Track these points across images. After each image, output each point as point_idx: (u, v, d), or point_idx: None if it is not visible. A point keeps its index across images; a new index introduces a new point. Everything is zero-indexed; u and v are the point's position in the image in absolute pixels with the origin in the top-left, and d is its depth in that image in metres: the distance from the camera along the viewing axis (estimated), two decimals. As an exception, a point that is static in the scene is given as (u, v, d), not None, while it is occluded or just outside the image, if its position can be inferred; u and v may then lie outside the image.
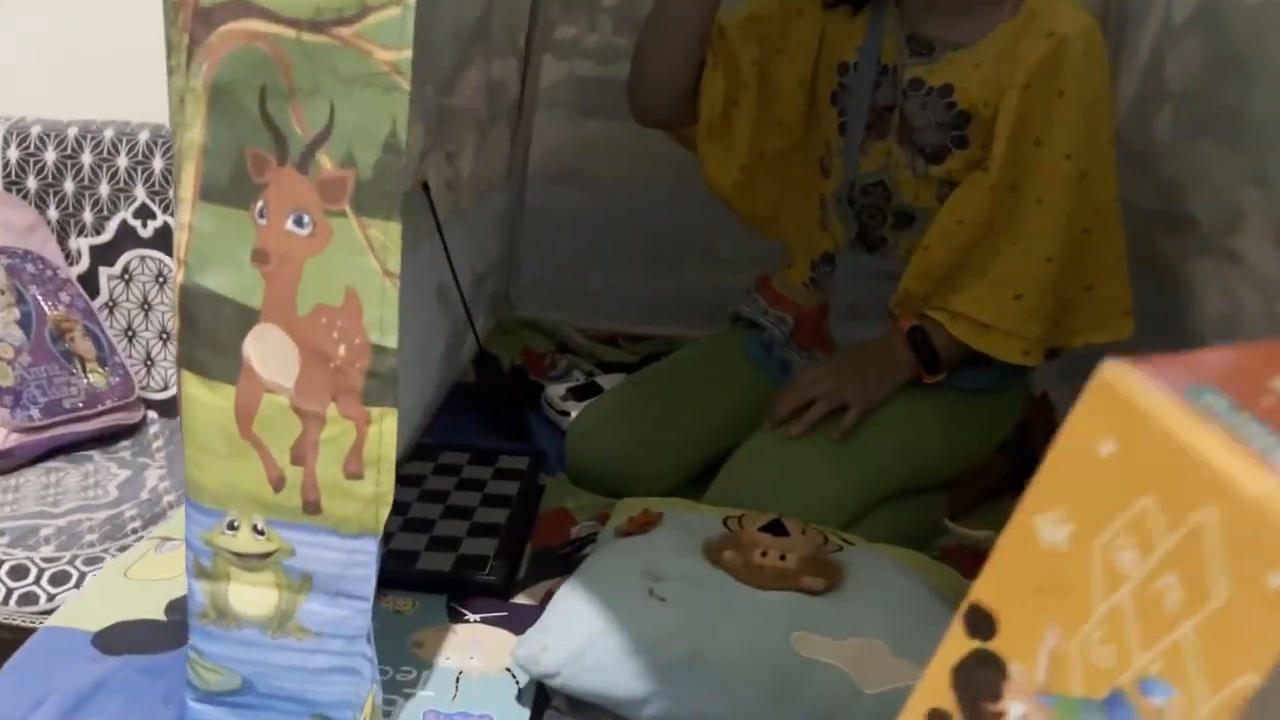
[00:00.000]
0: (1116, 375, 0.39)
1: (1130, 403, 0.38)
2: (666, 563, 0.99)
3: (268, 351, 0.76)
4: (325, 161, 0.71)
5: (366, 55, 0.69)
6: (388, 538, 1.12)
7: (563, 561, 1.20)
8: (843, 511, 1.23)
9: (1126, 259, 1.33)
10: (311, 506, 0.79)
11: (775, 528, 1.05)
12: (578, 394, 1.67)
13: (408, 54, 0.68)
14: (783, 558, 1.01)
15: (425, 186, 1.48)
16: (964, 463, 1.40)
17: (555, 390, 1.70)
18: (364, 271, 0.74)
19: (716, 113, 1.37)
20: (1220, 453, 0.36)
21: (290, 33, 0.69)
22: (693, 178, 1.96)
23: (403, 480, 1.11)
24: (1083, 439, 0.39)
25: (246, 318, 0.75)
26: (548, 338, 1.94)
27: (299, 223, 0.73)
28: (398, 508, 0.86)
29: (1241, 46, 1.36)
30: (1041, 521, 0.41)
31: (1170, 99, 1.52)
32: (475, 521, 1.26)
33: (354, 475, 0.79)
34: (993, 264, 1.28)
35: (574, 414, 1.58)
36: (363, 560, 0.80)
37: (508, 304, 2.02)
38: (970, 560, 1.23)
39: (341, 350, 0.76)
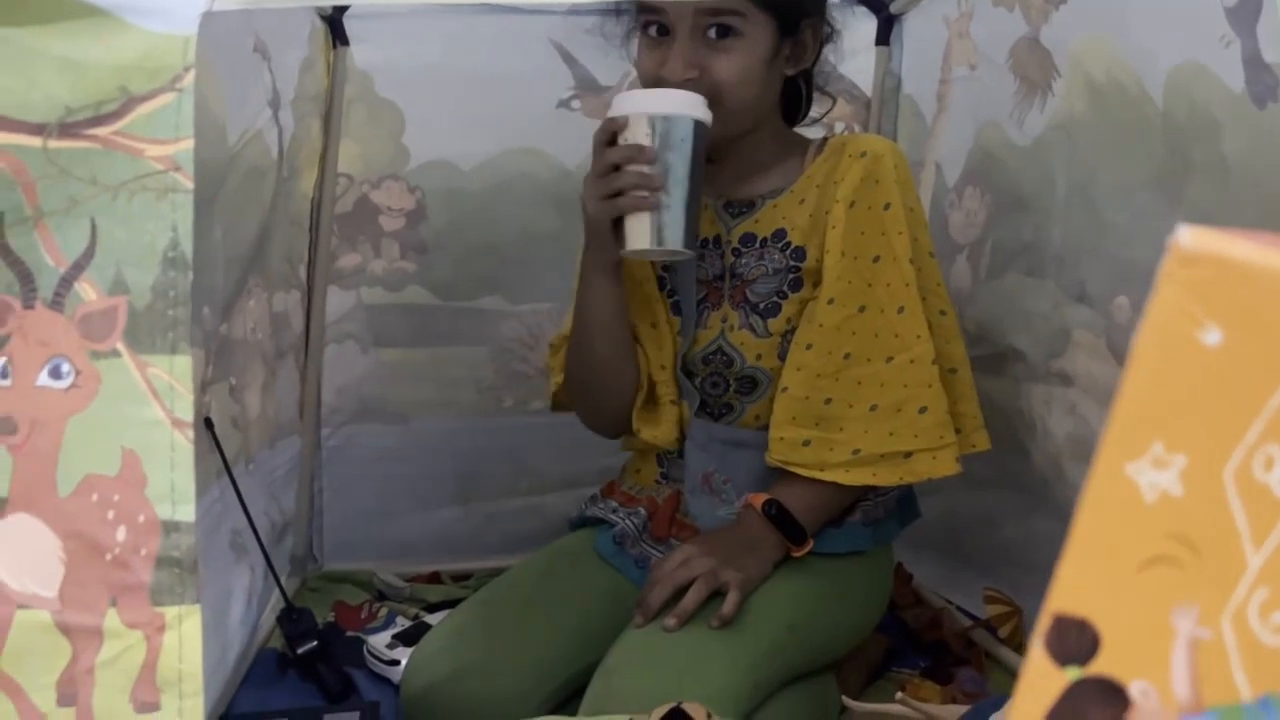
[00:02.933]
0: (1203, 241, 0.30)
1: (1237, 265, 0.29)
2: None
3: (18, 552, 0.58)
4: (87, 291, 0.57)
5: (135, 155, 0.57)
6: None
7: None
8: (740, 701, 1.08)
9: (971, 372, 1.30)
10: (90, 761, 0.59)
11: (677, 716, 0.90)
12: (406, 639, 1.48)
13: (188, 145, 0.57)
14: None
15: (209, 422, 1.31)
16: (853, 633, 1.30)
17: (379, 640, 1.50)
18: (145, 426, 0.58)
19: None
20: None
21: (34, 142, 0.57)
22: (496, 399, 1.88)
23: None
24: (1172, 335, 0.30)
25: (-12, 513, 0.57)
26: (361, 588, 1.74)
27: (55, 374, 0.57)
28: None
29: (1024, 187, 1.41)
30: (1137, 469, 0.31)
31: (961, 251, 1.56)
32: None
33: (147, 707, 0.60)
34: (879, 391, 1.22)
35: (405, 660, 1.38)
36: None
37: (313, 560, 1.81)
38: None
39: (120, 534, 0.59)
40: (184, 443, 0.59)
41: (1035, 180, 1.38)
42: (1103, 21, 1.21)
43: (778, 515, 1.23)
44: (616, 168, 1.16)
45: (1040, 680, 0.33)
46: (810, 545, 1.24)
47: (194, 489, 0.59)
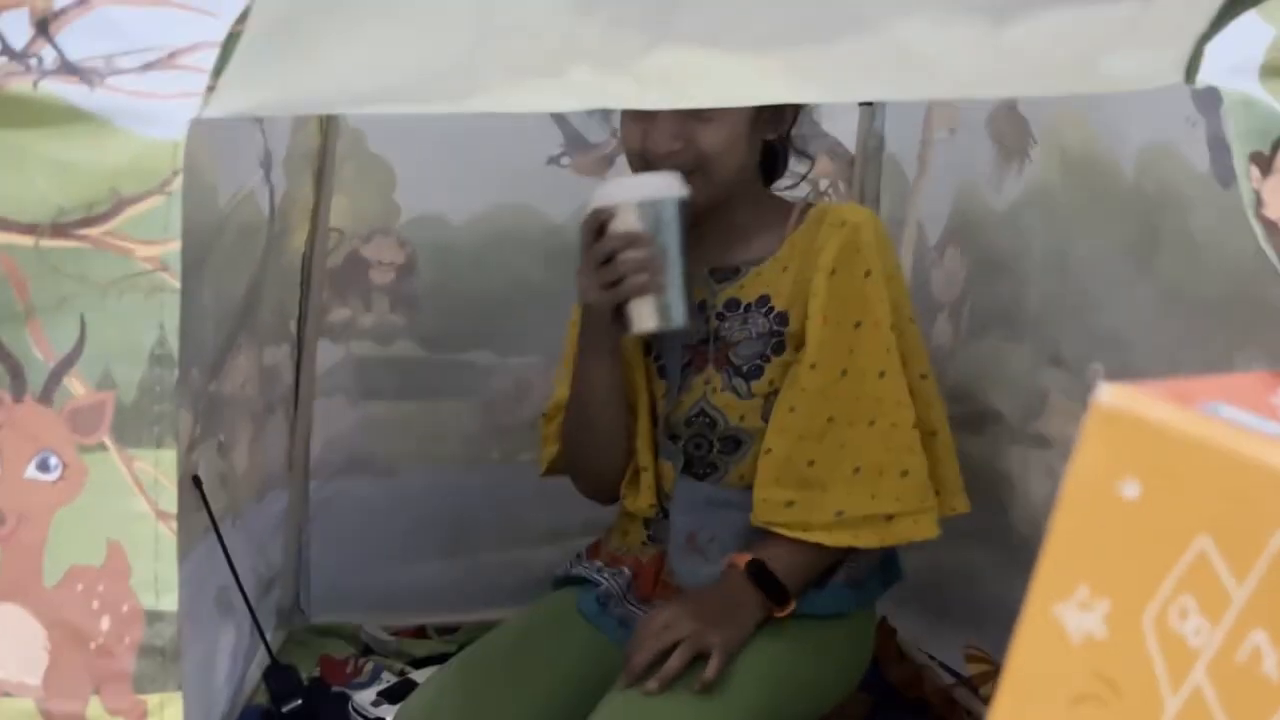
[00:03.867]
0: (1121, 399, 0.32)
1: (1151, 425, 0.31)
2: None
3: (4, 641, 0.60)
4: (76, 386, 0.59)
5: (125, 255, 0.59)
6: None
7: None
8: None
9: (950, 435, 1.32)
10: None
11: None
12: (391, 696, 1.48)
13: (175, 247, 0.59)
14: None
15: (196, 480, 1.33)
16: (835, 694, 1.31)
17: (364, 696, 1.50)
18: (130, 518, 0.60)
19: None
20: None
21: (26, 241, 0.59)
22: (484, 452, 1.89)
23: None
24: (1095, 487, 0.32)
25: (-25, 602, 0.59)
26: (348, 642, 1.74)
27: (43, 467, 0.59)
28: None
29: (1001, 250, 1.44)
30: (1064, 610, 0.32)
31: (943, 309, 1.59)
32: None
33: (129, 791, 0.61)
34: (861, 454, 1.23)
35: (390, 718, 1.39)
36: None
37: (299, 613, 1.82)
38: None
39: (105, 624, 0.60)
40: (168, 534, 0.60)
41: (1012, 244, 1.40)
42: (1078, 96, 1.24)
43: (760, 575, 1.24)
44: (611, 256, 1.18)
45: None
46: (792, 606, 1.25)
47: (177, 579, 0.61)
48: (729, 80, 0.81)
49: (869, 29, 0.75)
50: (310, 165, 1.71)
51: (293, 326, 1.75)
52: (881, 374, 1.24)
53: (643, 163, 1.26)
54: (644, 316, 1.21)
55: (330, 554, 1.83)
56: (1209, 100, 0.98)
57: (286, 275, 1.70)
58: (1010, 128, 1.40)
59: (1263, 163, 0.72)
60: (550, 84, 0.74)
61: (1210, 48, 0.80)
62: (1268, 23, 0.76)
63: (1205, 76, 0.81)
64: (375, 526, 1.83)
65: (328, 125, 1.71)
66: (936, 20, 0.76)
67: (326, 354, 1.79)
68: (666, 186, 1.19)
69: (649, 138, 1.22)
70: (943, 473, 1.29)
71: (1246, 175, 0.73)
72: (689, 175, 1.23)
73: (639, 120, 1.24)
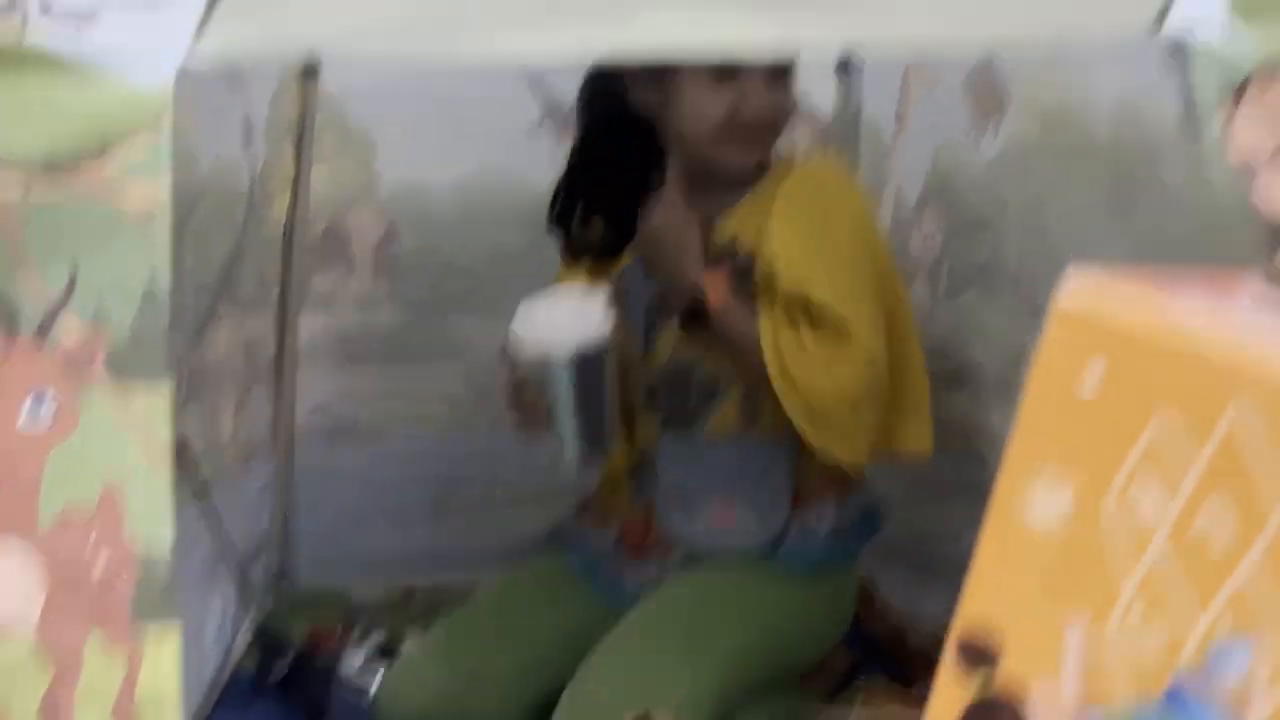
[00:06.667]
0: (1083, 291, 0.33)
1: (1111, 314, 0.32)
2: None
3: (1, 581, 0.61)
4: (70, 326, 0.60)
5: (114, 196, 0.60)
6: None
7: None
8: (706, 711, 1.11)
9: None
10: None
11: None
12: (380, 660, 1.50)
13: (165, 187, 0.59)
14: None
15: (184, 445, 1.34)
16: (817, 649, 1.33)
17: (353, 660, 1.51)
18: (124, 456, 0.61)
19: None
20: (1233, 340, 0.30)
21: (17, 183, 0.59)
22: (469, 414, 1.90)
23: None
24: (1060, 374, 0.33)
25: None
26: (336, 607, 1.75)
27: (38, 405, 0.60)
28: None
29: (981, 209, 1.45)
30: (1031, 494, 0.34)
31: (921, 269, 1.60)
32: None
33: (126, 725, 0.63)
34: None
35: (376, 684, 1.41)
36: None
37: (287, 579, 1.83)
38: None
39: (101, 561, 0.61)
40: (162, 473, 0.61)
41: (990, 202, 1.42)
42: (1051, 51, 1.26)
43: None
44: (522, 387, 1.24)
45: (951, 686, 0.36)
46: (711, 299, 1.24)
47: (171, 518, 0.62)
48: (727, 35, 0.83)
49: None
50: (290, 135, 1.71)
51: (274, 295, 1.75)
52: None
53: (721, 131, 1.26)
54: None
55: (317, 520, 1.84)
56: (1179, 54, 0.99)
57: (267, 245, 1.70)
58: (986, 87, 1.41)
59: (1230, 103, 0.74)
60: (539, 35, 0.75)
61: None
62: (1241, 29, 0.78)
63: (1173, 26, 0.83)
64: (361, 492, 1.84)
65: (307, 94, 1.71)
66: None
67: (309, 322, 1.80)
68: (571, 333, 1.19)
69: (746, 101, 1.24)
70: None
71: (1213, 119, 0.75)
72: (772, 128, 1.28)
73: (723, 86, 1.24)
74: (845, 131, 1.84)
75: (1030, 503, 0.34)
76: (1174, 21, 0.83)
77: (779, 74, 1.26)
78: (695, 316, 1.24)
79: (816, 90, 1.83)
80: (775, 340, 1.21)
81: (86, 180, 0.60)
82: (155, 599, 0.62)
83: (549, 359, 1.19)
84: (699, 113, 1.27)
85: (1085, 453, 0.33)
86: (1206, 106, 0.77)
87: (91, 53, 0.61)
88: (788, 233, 1.25)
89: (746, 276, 1.24)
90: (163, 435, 0.61)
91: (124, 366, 0.60)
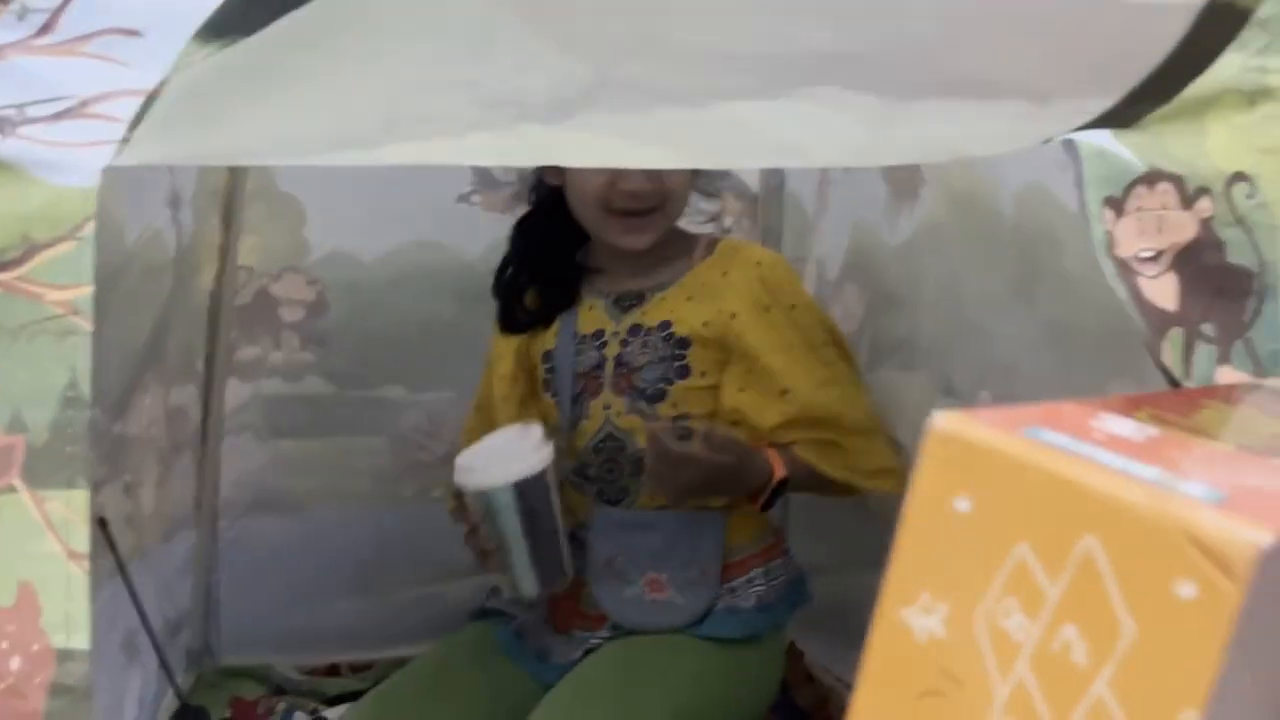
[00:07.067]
0: (953, 425, 0.36)
1: (978, 447, 0.35)
2: None
3: (-88, 682, 0.60)
4: (-15, 430, 0.60)
5: (36, 300, 0.60)
6: None
7: None
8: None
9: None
10: None
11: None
12: (303, 732, 1.48)
13: (87, 291, 0.60)
14: None
15: (103, 523, 1.32)
16: (746, 716, 1.35)
17: (275, 737, 1.49)
18: (41, 558, 0.61)
19: None
20: (1088, 477, 0.33)
21: (-64, 287, 0.60)
22: (396, 488, 1.89)
23: None
24: (933, 503, 0.36)
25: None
26: (259, 682, 1.73)
27: (-48, 508, 0.60)
28: None
29: (895, 287, 1.50)
30: (910, 614, 0.36)
31: (843, 343, 1.64)
32: None
33: (38, 832, 0.62)
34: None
35: (302, 758, 1.39)
36: None
37: (209, 655, 1.79)
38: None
39: (15, 664, 0.61)
40: (79, 573, 0.62)
41: (907, 279, 1.47)
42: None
43: (778, 491, 1.30)
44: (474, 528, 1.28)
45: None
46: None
47: (89, 618, 0.62)
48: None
49: (749, 128, 0.81)
50: (218, 203, 1.71)
51: (200, 365, 1.74)
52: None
53: (599, 207, 1.31)
54: (505, 583, 1.29)
55: (240, 594, 1.81)
56: (1071, 148, 1.05)
57: (194, 314, 1.69)
58: (902, 169, 1.47)
59: (1115, 205, 0.78)
60: (456, 144, 0.78)
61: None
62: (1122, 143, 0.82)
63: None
64: (285, 565, 1.82)
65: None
66: (817, 123, 0.83)
67: (235, 392, 1.79)
68: (511, 465, 1.22)
69: (622, 178, 1.27)
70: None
71: (1099, 218, 0.79)
72: (651, 213, 1.31)
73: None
74: (771, 207, 1.89)
75: (910, 619, 0.36)
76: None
77: None
78: (777, 495, 1.30)
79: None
80: (835, 462, 1.33)
81: (7, 282, 0.61)
82: (70, 704, 0.62)
83: (492, 492, 1.22)
84: (581, 190, 1.33)
85: (956, 576, 0.35)
86: (1095, 205, 0.81)
87: (17, 156, 0.62)
88: (783, 356, 1.31)
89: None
90: (81, 538, 0.61)
91: (41, 471, 0.61)
